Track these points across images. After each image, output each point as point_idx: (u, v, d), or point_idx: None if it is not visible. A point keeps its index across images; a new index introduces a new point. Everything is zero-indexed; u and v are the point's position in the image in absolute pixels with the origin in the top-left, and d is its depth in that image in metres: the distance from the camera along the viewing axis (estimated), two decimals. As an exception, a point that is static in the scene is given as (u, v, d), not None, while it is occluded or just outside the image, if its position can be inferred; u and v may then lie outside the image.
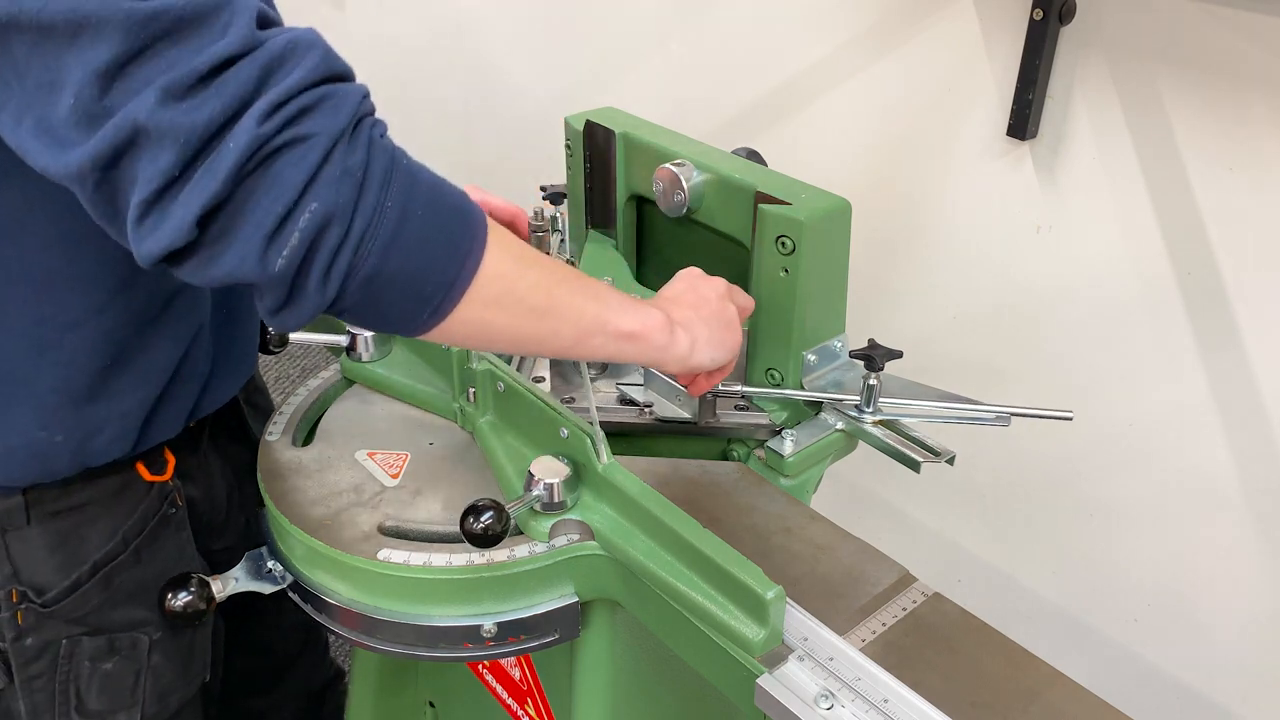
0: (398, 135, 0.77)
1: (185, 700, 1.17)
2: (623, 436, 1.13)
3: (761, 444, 1.13)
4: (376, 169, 0.73)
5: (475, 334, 0.84)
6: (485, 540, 0.91)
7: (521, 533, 0.99)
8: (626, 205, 1.28)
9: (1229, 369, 1.34)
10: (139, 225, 0.69)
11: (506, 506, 0.92)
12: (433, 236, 0.76)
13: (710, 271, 1.03)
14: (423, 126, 2.71)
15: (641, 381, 1.16)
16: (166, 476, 1.10)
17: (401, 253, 0.75)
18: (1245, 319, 1.31)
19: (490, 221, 0.81)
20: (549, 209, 1.38)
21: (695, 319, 0.97)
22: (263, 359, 1.54)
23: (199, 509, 1.18)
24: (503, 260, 0.80)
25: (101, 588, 1.06)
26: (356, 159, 0.72)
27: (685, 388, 1.07)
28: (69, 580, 1.03)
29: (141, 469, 1.08)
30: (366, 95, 0.75)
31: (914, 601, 0.94)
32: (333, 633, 1.03)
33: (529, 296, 0.83)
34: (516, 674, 1.24)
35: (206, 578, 1.00)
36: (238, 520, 1.26)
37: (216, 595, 0.99)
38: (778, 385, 1.14)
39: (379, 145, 0.74)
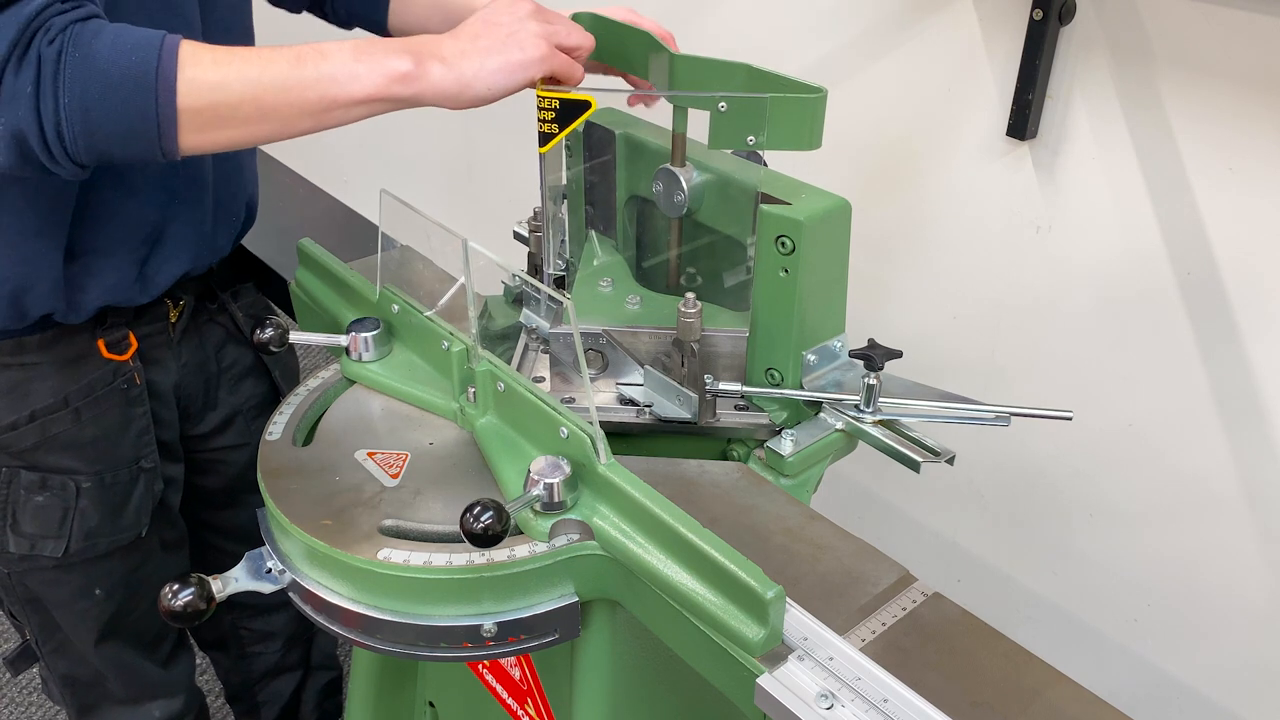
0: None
1: (116, 546, 1.36)
2: (623, 436, 1.13)
3: (761, 444, 1.13)
4: (46, 79, 0.87)
5: (214, 149, 0.97)
6: (485, 540, 0.91)
7: (521, 532, 0.99)
8: (626, 205, 1.28)
9: (1229, 369, 1.34)
10: None
11: (506, 506, 0.92)
12: (119, 107, 0.90)
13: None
14: (423, 126, 2.70)
15: (641, 381, 1.16)
16: (125, 357, 1.29)
17: (100, 130, 0.90)
18: (1245, 319, 1.31)
19: (184, 52, 0.92)
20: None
21: (470, 50, 0.98)
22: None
23: (170, 394, 1.36)
24: (197, 94, 0.92)
25: (38, 433, 1.26)
26: (25, 78, 0.87)
27: None
28: (9, 420, 1.24)
29: (101, 346, 1.27)
30: (42, 8, 0.87)
31: (914, 601, 0.94)
32: (333, 632, 1.03)
33: (241, 109, 0.93)
34: (516, 674, 1.24)
35: (206, 578, 1.00)
36: (226, 403, 1.45)
37: (216, 595, 0.99)
38: (777, 385, 1.14)
39: (47, 57, 0.87)
